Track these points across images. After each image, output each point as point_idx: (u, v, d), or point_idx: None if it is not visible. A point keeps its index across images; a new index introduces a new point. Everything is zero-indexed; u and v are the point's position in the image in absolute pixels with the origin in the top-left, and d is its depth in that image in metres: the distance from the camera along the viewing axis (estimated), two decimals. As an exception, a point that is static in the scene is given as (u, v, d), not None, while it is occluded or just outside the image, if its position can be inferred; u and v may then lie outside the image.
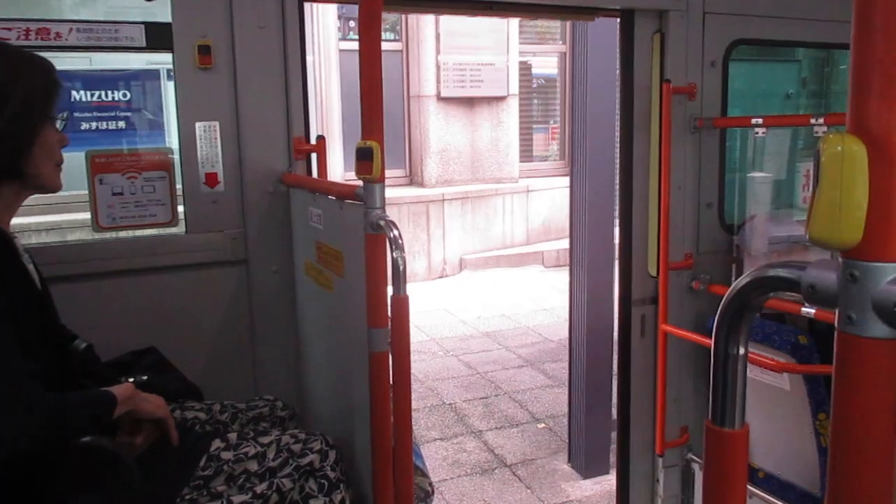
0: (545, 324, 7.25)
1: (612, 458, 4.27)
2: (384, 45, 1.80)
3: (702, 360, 3.02)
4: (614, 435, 4.28)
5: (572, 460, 4.34)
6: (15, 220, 1.78)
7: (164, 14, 2.36)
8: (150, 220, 2.43)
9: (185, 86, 2.40)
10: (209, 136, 2.43)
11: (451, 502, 3.94)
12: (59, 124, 1.74)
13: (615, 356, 4.27)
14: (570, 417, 4.37)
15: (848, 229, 0.75)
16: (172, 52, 2.38)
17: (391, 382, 1.82)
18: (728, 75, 2.92)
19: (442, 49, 9.62)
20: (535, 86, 11.24)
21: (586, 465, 4.22)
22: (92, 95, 2.47)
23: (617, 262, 3.19)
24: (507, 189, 10.05)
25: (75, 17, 2.30)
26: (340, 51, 9.03)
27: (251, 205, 2.50)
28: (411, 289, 1.76)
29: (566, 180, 6.01)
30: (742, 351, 0.96)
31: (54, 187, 1.76)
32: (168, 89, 2.53)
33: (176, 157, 2.46)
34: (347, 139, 8.94)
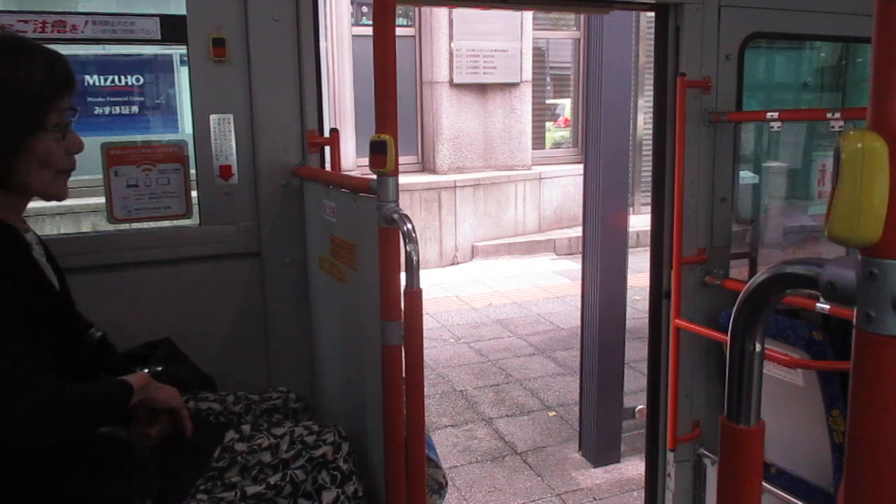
0: (557, 312, 7.25)
1: (623, 447, 4.29)
2: (397, 31, 1.79)
3: (714, 355, 3.01)
4: (625, 423, 4.31)
5: (583, 449, 4.35)
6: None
7: (178, 6, 2.36)
8: (165, 211, 2.44)
9: (199, 78, 2.41)
10: (223, 129, 2.43)
11: (462, 489, 3.96)
12: (55, 134, 1.64)
13: (626, 345, 4.30)
14: (581, 406, 4.38)
15: (867, 227, 0.74)
16: (187, 44, 2.39)
17: (404, 375, 1.83)
18: (743, 69, 2.89)
19: (455, 35, 9.58)
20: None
21: (597, 453, 4.23)
22: (105, 80, 2.48)
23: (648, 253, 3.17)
24: (519, 176, 10.03)
25: (91, 10, 2.30)
26: (353, 36, 9.00)
27: (265, 197, 2.50)
28: (422, 275, 1.76)
29: (579, 168, 6.00)
30: (758, 348, 0.96)
31: (52, 196, 1.70)
32: (181, 74, 2.53)
33: (190, 149, 2.46)
34: (360, 124, 8.93)
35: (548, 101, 11.35)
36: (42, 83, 1.61)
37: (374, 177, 1.80)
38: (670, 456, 3.02)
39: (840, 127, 2.36)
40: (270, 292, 2.56)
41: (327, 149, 2.58)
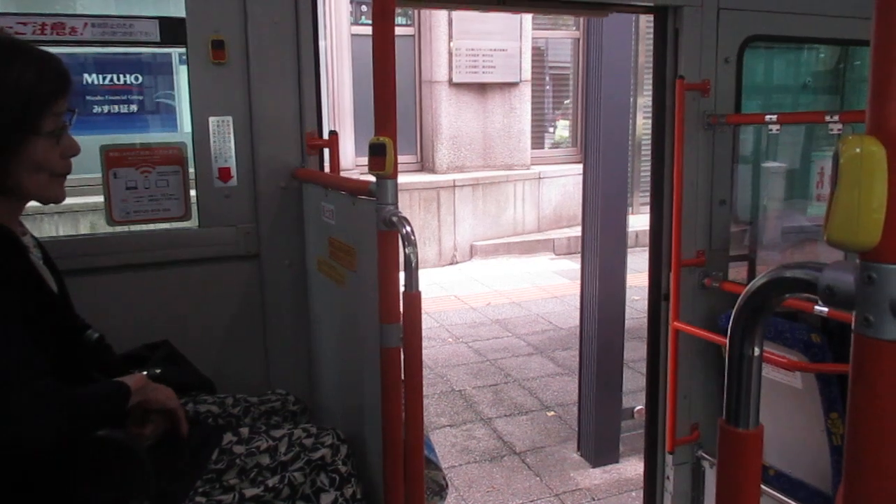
0: (555, 311, 7.26)
1: (622, 448, 4.30)
2: (396, 30, 1.79)
3: (713, 357, 3.01)
4: (624, 424, 4.31)
5: (581, 449, 4.36)
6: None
7: (178, 9, 2.36)
8: (164, 214, 2.44)
9: (198, 80, 2.40)
10: (222, 131, 2.43)
11: (460, 489, 3.96)
12: (48, 139, 1.61)
13: (625, 345, 4.30)
14: (579, 406, 4.38)
15: (866, 231, 0.74)
16: (186, 46, 2.38)
17: (403, 378, 1.83)
18: (742, 72, 2.89)
19: (454, 34, 9.58)
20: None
21: (595, 453, 4.23)
22: (103, 79, 2.48)
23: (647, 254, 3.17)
24: (518, 176, 10.03)
25: (90, 12, 2.30)
26: (353, 35, 9.00)
27: (264, 199, 2.50)
28: (421, 275, 1.77)
29: (578, 167, 6.00)
30: (757, 352, 0.96)
31: (49, 199, 1.68)
32: (180, 72, 2.53)
33: (189, 151, 2.46)
34: (359, 123, 8.94)
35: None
36: (34, 86, 1.57)
37: (373, 179, 1.80)
38: (669, 458, 3.02)
39: (838, 130, 2.36)
40: (269, 294, 2.56)
41: (326, 151, 2.58)
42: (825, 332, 2.48)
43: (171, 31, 2.36)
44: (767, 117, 2.59)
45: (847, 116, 2.36)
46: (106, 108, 2.49)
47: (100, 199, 2.39)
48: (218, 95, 2.42)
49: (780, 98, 3.69)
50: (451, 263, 9.35)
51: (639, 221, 8.15)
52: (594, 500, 3.89)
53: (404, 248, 1.73)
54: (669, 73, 2.87)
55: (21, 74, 1.56)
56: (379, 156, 1.73)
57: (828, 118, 2.36)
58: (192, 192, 2.50)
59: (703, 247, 2.92)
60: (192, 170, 2.48)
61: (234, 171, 2.47)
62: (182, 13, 2.37)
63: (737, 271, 3.03)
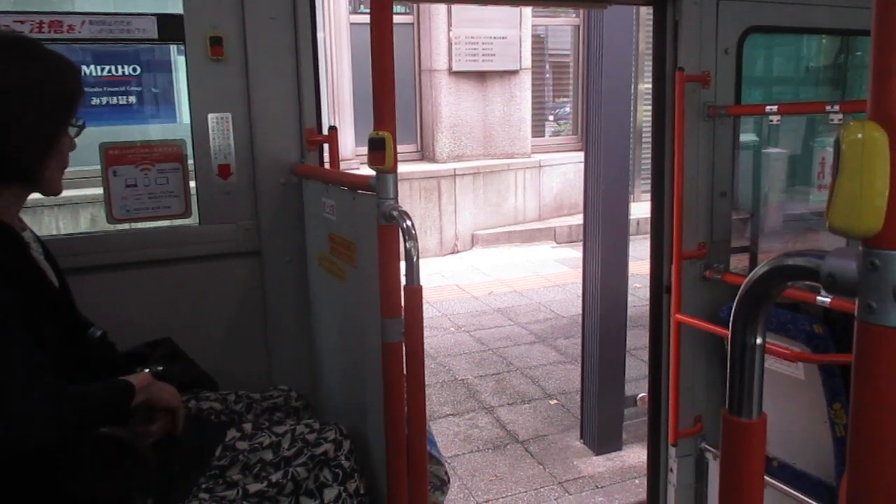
0: (557, 300, 7.26)
1: (625, 435, 4.31)
2: (395, 19, 1.78)
3: (715, 350, 3.01)
4: (627, 412, 4.32)
5: (584, 437, 4.37)
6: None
7: (175, 5, 2.35)
8: (164, 211, 2.44)
9: (197, 77, 2.40)
10: (222, 128, 2.43)
11: (464, 478, 3.98)
12: (73, 131, 1.73)
13: (627, 333, 4.30)
14: (582, 394, 4.39)
15: (868, 217, 0.74)
16: (184, 43, 2.38)
17: (405, 372, 1.83)
18: (742, 63, 2.87)
19: (454, 22, 9.54)
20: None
21: (598, 441, 4.25)
22: (102, 70, 2.47)
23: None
24: (519, 164, 10.02)
25: (87, 10, 2.29)
26: (351, 24, 8.97)
27: (264, 196, 2.50)
28: (422, 264, 1.77)
29: (578, 155, 5.98)
30: (759, 341, 0.96)
31: (57, 191, 1.76)
32: (178, 63, 2.53)
33: (189, 148, 2.46)
34: (359, 112, 8.92)
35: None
36: (72, 83, 1.70)
37: (373, 172, 1.80)
38: (672, 451, 3.02)
39: (839, 120, 2.35)
40: (270, 291, 2.56)
41: (326, 146, 2.58)
42: (828, 322, 2.47)
43: (169, 27, 2.36)
44: (768, 108, 2.58)
45: (848, 106, 2.34)
46: (104, 100, 2.49)
47: (99, 190, 2.40)
48: (217, 92, 2.42)
49: (781, 90, 3.67)
50: (453, 253, 9.34)
51: (640, 209, 8.14)
52: (597, 487, 3.90)
53: (405, 242, 1.74)
54: (669, 65, 2.85)
55: (62, 72, 1.68)
56: (378, 150, 1.73)
57: (828, 108, 2.35)
58: (192, 184, 2.50)
59: (704, 239, 2.90)
60: (191, 162, 2.48)
61: (233, 168, 2.46)
62: (180, 10, 2.36)
63: (738, 260, 3.02)
